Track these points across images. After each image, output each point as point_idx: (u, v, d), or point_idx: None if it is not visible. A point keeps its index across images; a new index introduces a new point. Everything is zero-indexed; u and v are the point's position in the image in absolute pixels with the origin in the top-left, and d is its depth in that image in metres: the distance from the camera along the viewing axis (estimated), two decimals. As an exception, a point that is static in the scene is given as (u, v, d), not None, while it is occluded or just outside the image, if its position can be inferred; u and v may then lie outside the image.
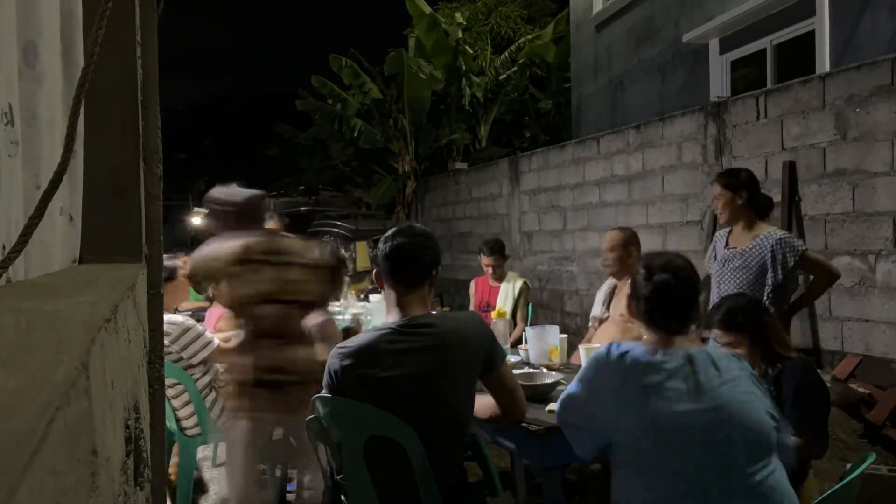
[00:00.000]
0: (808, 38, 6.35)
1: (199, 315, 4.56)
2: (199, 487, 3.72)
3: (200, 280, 2.84)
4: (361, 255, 11.81)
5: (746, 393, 1.60)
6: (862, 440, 3.70)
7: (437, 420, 1.89)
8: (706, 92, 7.43)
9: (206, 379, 3.29)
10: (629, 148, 6.23)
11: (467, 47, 12.87)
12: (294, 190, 17.35)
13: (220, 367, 3.38)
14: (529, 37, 13.04)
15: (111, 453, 0.64)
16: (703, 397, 1.56)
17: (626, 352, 1.65)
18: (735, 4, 7.02)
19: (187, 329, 3.17)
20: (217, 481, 3.82)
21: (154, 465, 1.42)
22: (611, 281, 3.57)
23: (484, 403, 2.11)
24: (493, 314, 3.73)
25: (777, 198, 4.59)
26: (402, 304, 1.98)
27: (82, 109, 0.91)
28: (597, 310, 3.61)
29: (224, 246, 2.78)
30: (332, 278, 2.82)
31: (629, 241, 3.42)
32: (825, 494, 1.62)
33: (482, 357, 1.97)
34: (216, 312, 4.06)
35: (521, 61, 12.48)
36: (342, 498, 2.02)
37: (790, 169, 4.52)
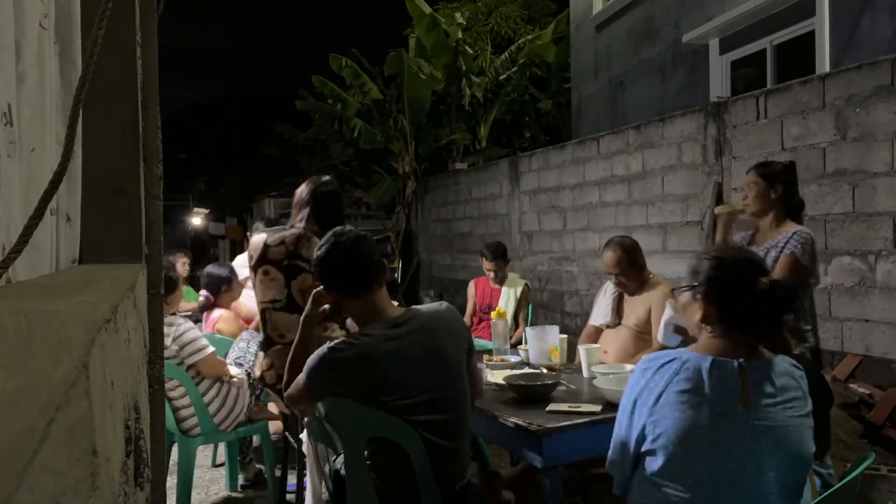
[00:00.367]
0: (808, 39, 6.35)
1: (196, 316, 4.56)
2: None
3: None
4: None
5: (798, 417, 1.52)
6: (862, 440, 3.70)
7: (440, 412, 1.89)
8: (706, 92, 7.43)
9: (207, 382, 3.28)
10: (629, 148, 6.23)
11: (467, 47, 12.87)
12: (294, 190, 17.31)
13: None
14: (529, 37, 13.03)
15: (111, 453, 0.64)
16: (749, 414, 1.50)
17: (675, 357, 1.58)
18: (735, 4, 7.02)
19: (186, 331, 3.17)
20: (217, 481, 3.83)
21: (154, 465, 1.41)
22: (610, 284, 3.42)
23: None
24: (493, 314, 3.72)
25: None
26: (377, 308, 1.94)
27: (82, 109, 0.91)
28: (602, 315, 3.38)
29: (255, 240, 2.81)
30: None
31: (629, 253, 3.15)
32: (825, 494, 1.62)
33: (465, 344, 2.00)
34: (213, 313, 4.05)
35: (521, 61, 12.48)
36: (343, 498, 2.01)
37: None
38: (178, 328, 3.15)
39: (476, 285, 5.14)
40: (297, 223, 2.83)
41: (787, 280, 2.70)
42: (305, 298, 2.67)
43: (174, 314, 3.31)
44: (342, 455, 2.00)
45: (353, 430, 1.92)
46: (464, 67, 12.19)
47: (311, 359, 1.91)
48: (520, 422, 2.22)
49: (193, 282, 6.87)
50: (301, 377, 1.96)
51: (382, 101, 12.34)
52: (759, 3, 6.65)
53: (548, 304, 7.52)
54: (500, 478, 2.55)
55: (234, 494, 3.65)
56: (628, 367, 2.75)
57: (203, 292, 4.07)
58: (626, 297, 3.28)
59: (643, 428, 1.57)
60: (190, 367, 3.19)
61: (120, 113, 1.45)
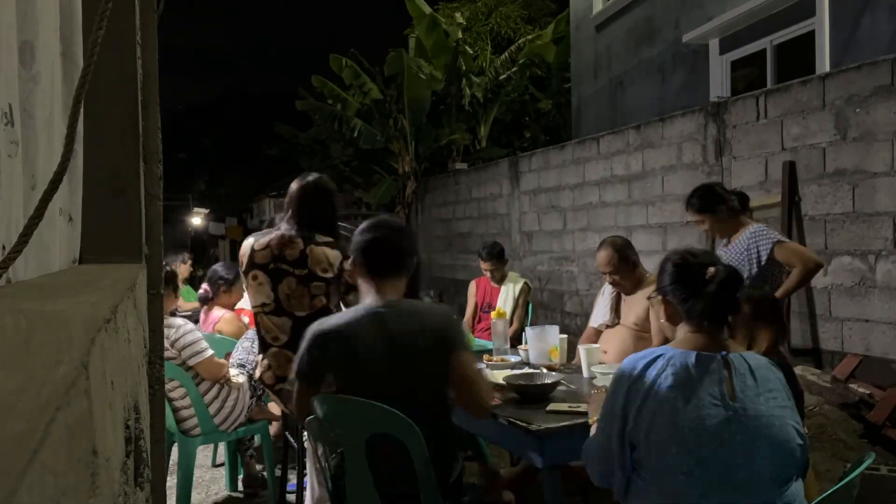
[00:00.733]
0: (808, 39, 6.35)
1: (195, 316, 4.56)
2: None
3: None
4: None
5: (781, 408, 1.56)
6: (862, 440, 3.69)
7: (421, 396, 1.92)
8: (706, 92, 7.43)
9: (207, 382, 3.28)
10: (629, 148, 6.23)
11: (467, 47, 12.87)
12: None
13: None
14: (529, 37, 13.03)
15: (111, 453, 0.64)
16: (736, 406, 1.53)
17: (660, 355, 1.61)
18: (735, 4, 7.02)
19: (186, 332, 3.16)
20: (217, 481, 3.83)
21: (154, 465, 1.42)
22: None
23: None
24: (493, 314, 3.72)
25: (777, 198, 4.59)
26: (379, 292, 2.00)
27: (82, 109, 0.91)
28: (601, 316, 3.40)
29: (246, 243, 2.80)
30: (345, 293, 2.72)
31: (620, 251, 3.14)
32: (825, 494, 1.62)
33: (449, 335, 1.97)
34: (213, 314, 4.05)
35: (521, 61, 12.48)
36: (342, 498, 2.01)
37: (790, 169, 4.52)
38: (177, 331, 3.15)
39: (477, 285, 5.15)
40: (283, 225, 2.80)
41: (805, 257, 3.11)
42: (291, 302, 2.67)
43: (173, 314, 3.31)
44: (342, 454, 2.00)
45: (352, 428, 1.92)
46: (464, 67, 12.19)
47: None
48: (520, 422, 2.22)
49: (193, 282, 6.87)
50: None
51: (382, 101, 12.33)
52: (759, 3, 6.65)
53: (548, 304, 7.52)
54: (501, 478, 2.55)
55: (234, 494, 3.65)
56: None
57: (204, 285, 4.12)
58: (623, 297, 3.28)
59: (634, 427, 1.59)
60: (190, 367, 3.19)
61: (120, 113, 1.45)
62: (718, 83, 7.48)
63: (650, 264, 3.39)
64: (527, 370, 2.97)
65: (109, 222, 1.43)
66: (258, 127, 28.13)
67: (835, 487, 1.64)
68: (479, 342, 3.97)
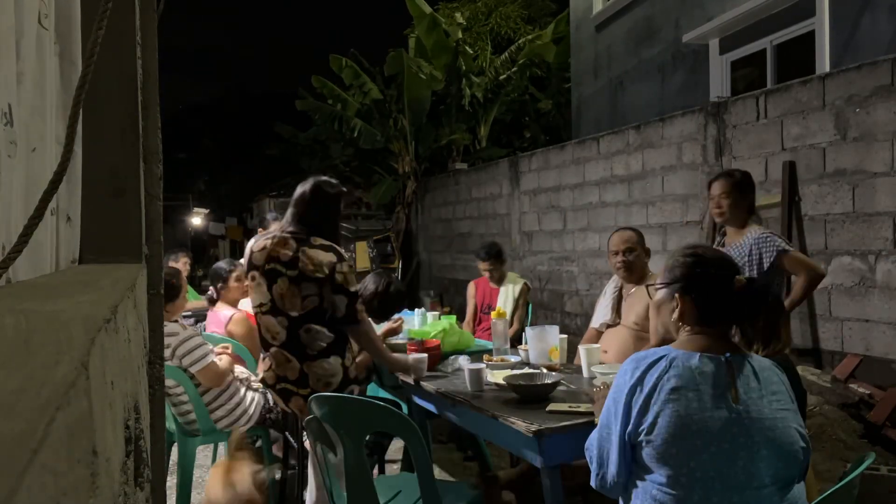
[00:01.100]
0: (808, 39, 6.35)
1: (199, 315, 4.56)
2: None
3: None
4: (361, 255, 11.82)
5: (784, 410, 1.56)
6: (862, 440, 3.70)
7: None
8: (706, 92, 7.43)
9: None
10: (629, 148, 6.23)
11: (467, 47, 12.86)
12: (294, 190, 17.31)
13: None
14: (529, 37, 13.03)
15: (111, 453, 0.64)
16: (739, 408, 1.52)
17: (663, 356, 1.60)
18: (735, 4, 7.02)
19: (186, 339, 3.16)
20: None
21: (154, 465, 1.41)
22: (614, 284, 3.41)
23: None
24: (493, 314, 3.72)
25: (777, 198, 4.59)
26: None
27: (82, 109, 0.91)
28: (603, 315, 3.38)
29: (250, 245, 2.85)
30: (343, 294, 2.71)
31: (640, 236, 3.23)
32: (825, 494, 1.62)
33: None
34: (221, 314, 4.04)
35: (521, 61, 12.48)
36: (341, 498, 2.02)
37: (790, 169, 4.52)
38: (178, 337, 3.14)
39: (476, 286, 5.14)
40: (283, 224, 2.86)
41: (810, 268, 3.01)
42: (285, 302, 2.68)
43: (176, 321, 3.30)
44: (341, 453, 2.00)
45: (353, 428, 1.92)
46: (464, 67, 12.19)
47: None
48: (520, 422, 2.22)
49: (193, 282, 6.89)
50: None
51: (382, 101, 12.33)
52: (759, 3, 6.65)
53: (548, 304, 7.52)
54: (500, 482, 2.55)
55: (234, 494, 3.64)
56: None
57: (210, 288, 4.15)
58: (624, 296, 3.28)
59: (636, 428, 1.58)
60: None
61: (120, 113, 1.45)
62: (718, 83, 7.48)
63: (650, 264, 3.39)
64: (527, 370, 2.97)
65: (109, 222, 1.43)
66: (258, 127, 28.11)
67: (835, 487, 1.63)
68: (479, 342, 3.96)
